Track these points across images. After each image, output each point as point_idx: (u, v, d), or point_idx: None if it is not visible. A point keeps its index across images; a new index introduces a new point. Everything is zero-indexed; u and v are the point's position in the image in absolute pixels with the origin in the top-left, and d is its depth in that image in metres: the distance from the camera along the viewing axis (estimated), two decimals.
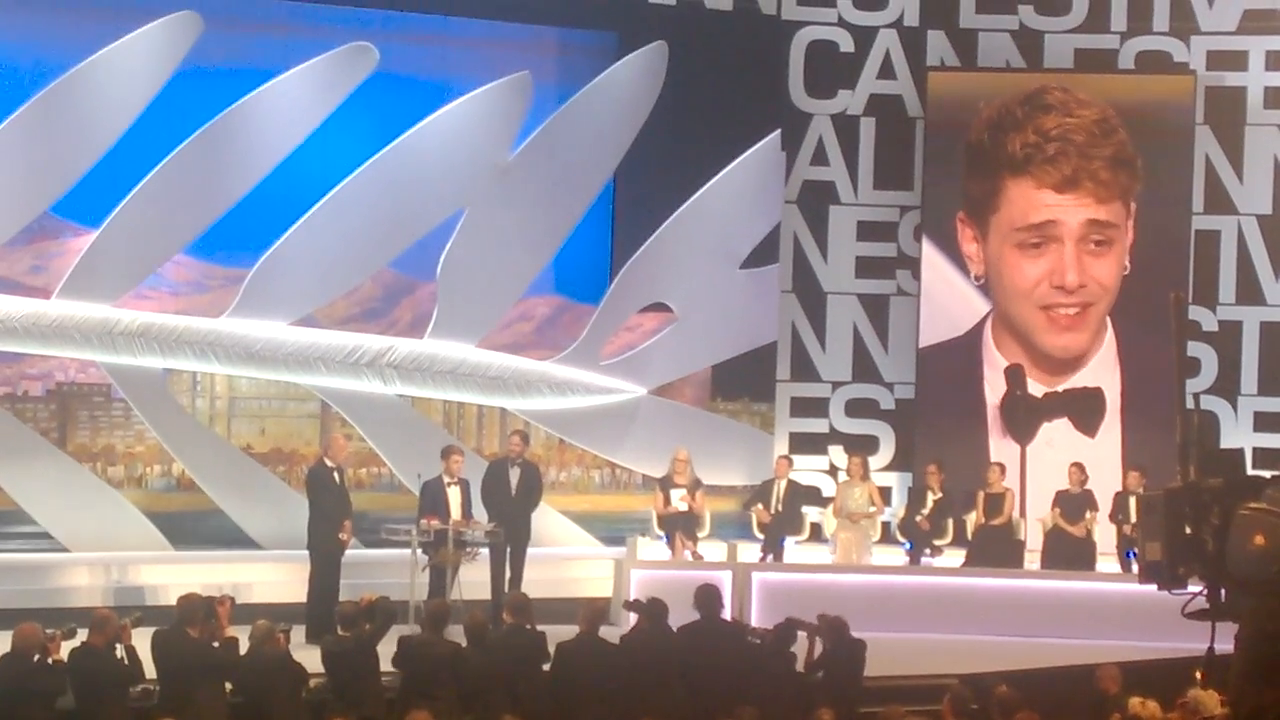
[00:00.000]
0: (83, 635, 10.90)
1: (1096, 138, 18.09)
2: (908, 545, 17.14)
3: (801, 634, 12.35)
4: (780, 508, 17.11)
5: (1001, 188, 18.15)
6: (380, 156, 16.93)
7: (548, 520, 17.12)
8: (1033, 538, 17.14)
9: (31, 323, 15.92)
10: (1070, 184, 18.05)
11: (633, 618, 12.64)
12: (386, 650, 11.63)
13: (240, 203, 16.45)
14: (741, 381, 18.80)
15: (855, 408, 18.99)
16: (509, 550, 15.21)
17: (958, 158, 18.37)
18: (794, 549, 17.25)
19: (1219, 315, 18.75)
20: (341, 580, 14.46)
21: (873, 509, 17.12)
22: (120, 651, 10.83)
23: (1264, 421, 18.67)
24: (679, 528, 16.56)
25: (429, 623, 11.81)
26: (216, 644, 11.20)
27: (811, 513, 17.78)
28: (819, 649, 12.35)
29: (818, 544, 17.55)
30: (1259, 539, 5.47)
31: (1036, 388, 18.41)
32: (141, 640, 11.01)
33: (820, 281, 18.98)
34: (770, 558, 16.73)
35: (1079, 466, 17.04)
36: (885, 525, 17.65)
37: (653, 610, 12.24)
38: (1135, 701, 10.44)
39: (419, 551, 14.60)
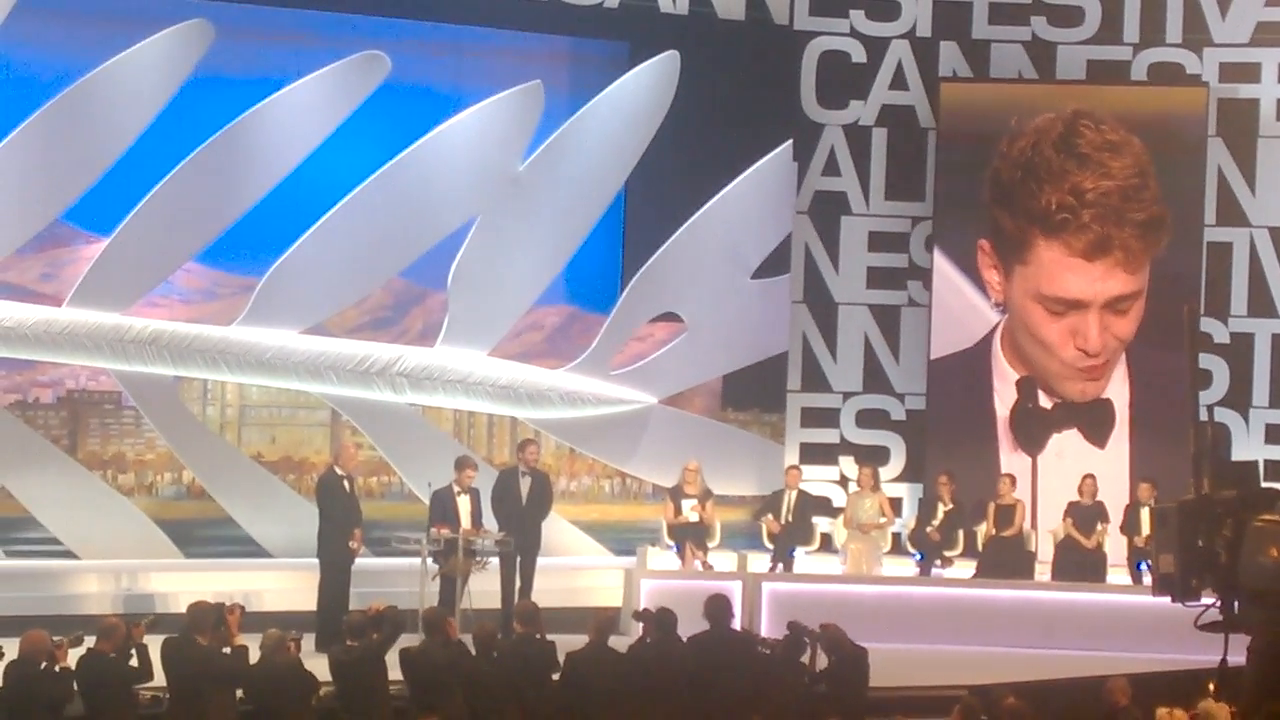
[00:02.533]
0: (90, 642, 10.90)
1: (1131, 200, 17.96)
2: (918, 556, 17.11)
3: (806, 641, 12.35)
4: (790, 518, 17.08)
5: (1032, 242, 17.98)
6: (391, 165, 16.91)
7: (558, 529, 17.09)
8: (1043, 549, 17.11)
9: (42, 330, 15.92)
10: (1100, 250, 17.89)
11: (642, 627, 12.63)
12: (395, 659, 11.63)
13: (251, 211, 16.44)
14: (752, 392, 18.74)
15: (866, 418, 18.96)
16: (519, 559, 15.21)
17: (972, 172, 18.27)
18: (804, 559, 17.21)
19: (1231, 327, 18.71)
20: (351, 589, 14.47)
21: (883, 520, 17.10)
22: (133, 654, 10.85)
23: (1276, 434, 18.60)
24: (689, 537, 16.55)
25: (427, 630, 11.82)
26: (227, 651, 11.20)
27: (822, 523, 17.74)
28: (822, 660, 12.33)
29: (828, 554, 17.51)
30: (1273, 551, 5.46)
31: (1045, 399, 18.39)
32: (151, 647, 11.01)
33: (831, 292, 18.95)
34: (780, 568, 16.71)
35: (1092, 478, 17.01)
36: (896, 536, 17.62)
37: (662, 620, 12.23)
38: (1163, 712, 10.39)
39: (429, 560, 14.59)
